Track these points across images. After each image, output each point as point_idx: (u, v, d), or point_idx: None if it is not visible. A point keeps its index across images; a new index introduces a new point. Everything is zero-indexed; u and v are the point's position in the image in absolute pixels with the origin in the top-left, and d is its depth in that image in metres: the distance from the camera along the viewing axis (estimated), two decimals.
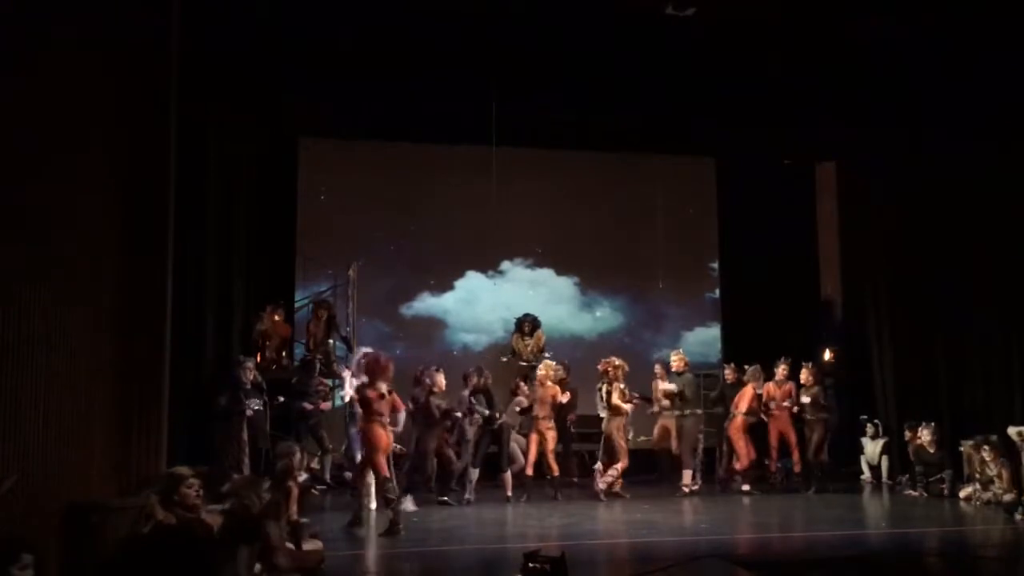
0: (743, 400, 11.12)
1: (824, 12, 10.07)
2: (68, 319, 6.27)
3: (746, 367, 11.48)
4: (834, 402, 12.02)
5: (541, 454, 10.45)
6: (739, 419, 11.03)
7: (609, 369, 10.56)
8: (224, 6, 9.26)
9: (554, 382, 10.62)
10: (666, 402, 11.16)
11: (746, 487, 10.90)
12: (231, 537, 5.55)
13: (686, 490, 10.71)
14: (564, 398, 10.70)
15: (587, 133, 12.59)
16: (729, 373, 11.74)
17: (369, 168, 13.38)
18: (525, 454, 10.65)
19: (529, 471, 10.46)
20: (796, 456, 11.17)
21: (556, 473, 10.53)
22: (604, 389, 10.52)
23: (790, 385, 11.26)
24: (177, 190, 8.59)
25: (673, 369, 11.20)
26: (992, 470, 9.87)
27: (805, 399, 11.18)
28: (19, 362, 5.37)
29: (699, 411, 11.03)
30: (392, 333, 13.23)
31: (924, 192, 11.52)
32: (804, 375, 11.37)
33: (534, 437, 10.42)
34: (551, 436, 10.46)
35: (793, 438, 11.15)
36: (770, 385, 11.27)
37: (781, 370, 11.26)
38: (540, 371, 10.66)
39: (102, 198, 7.12)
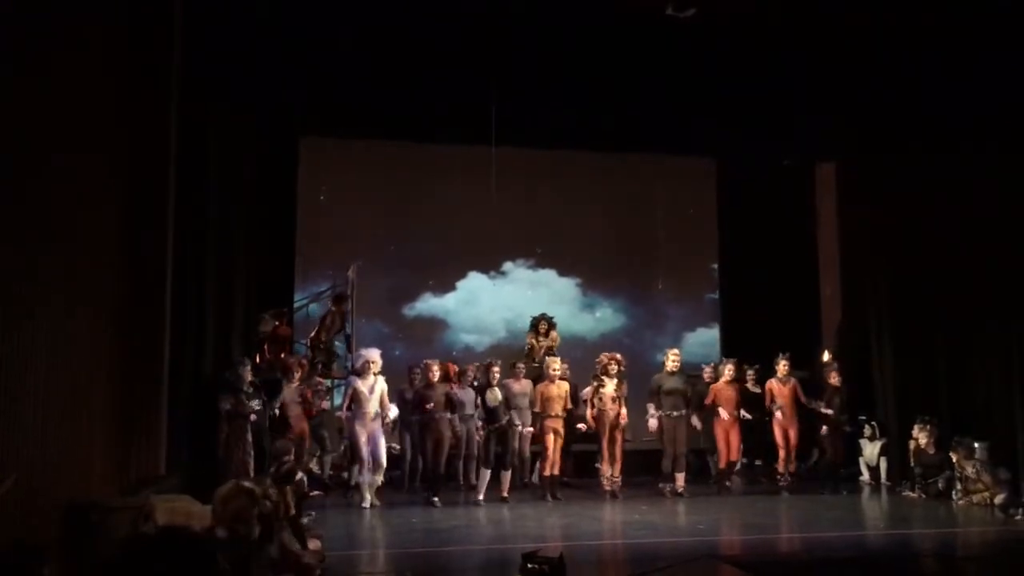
0: (708, 396, 11.03)
1: (824, 12, 10.05)
2: (68, 319, 6.28)
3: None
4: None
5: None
6: (718, 416, 10.93)
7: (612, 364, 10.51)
8: (225, 6, 9.25)
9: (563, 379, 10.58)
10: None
11: (727, 483, 10.93)
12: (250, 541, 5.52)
13: (680, 490, 10.59)
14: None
15: (587, 133, 12.59)
16: (707, 373, 11.61)
17: (369, 168, 13.41)
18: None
19: (548, 471, 10.33)
20: (783, 455, 10.97)
21: (558, 472, 10.50)
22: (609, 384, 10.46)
23: (795, 382, 11.10)
24: (177, 190, 8.61)
25: (670, 369, 10.90)
26: (971, 472, 9.87)
27: (833, 403, 11.03)
28: (19, 362, 5.37)
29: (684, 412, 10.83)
30: (392, 333, 13.26)
31: (924, 192, 11.49)
32: (834, 377, 11.18)
33: (550, 437, 10.31)
34: (564, 434, 10.45)
35: (795, 438, 10.98)
36: (773, 382, 11.10)
37: (782, 366, 11.07)
38: (555, 370, 10.50)
39: (102, 198, 7.13)
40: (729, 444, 10.97)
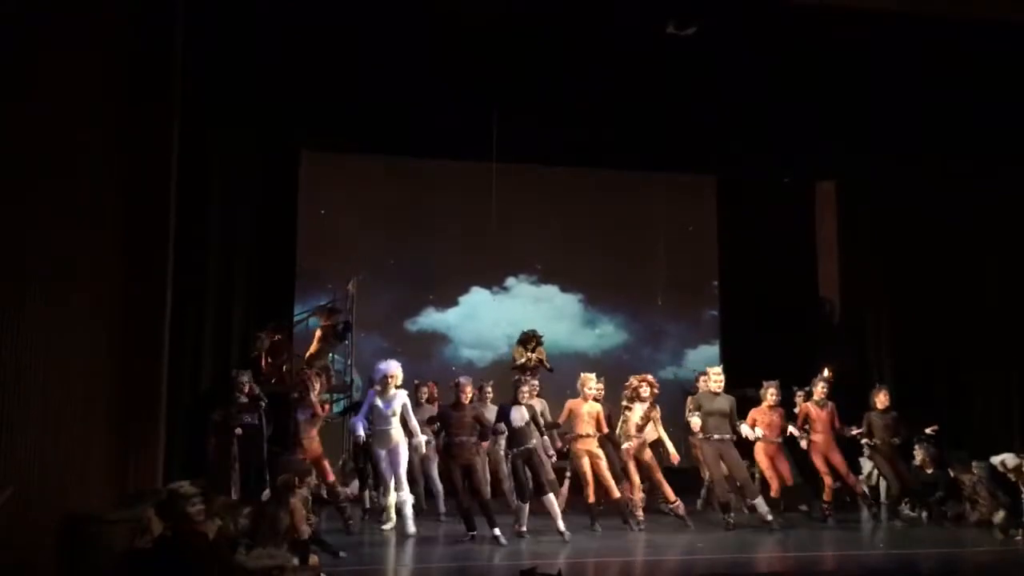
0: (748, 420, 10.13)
1: (824, 31, 10.07)
2: (68, 331, 6.28)
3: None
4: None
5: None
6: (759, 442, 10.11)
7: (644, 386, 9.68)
8: (225, 21, 9.28)
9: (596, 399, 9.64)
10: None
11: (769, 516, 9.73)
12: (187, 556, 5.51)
13: (768, 519, 9.62)
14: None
15: (587, 150, 12.61)
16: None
17: (370, 182, 13.43)
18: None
19: (592, 497, 9.28)
20: (829, 483, 10.16)
21: (616, 496, 9.31)
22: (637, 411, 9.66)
23: (832, 406, 10.41)
24: (177, 203, 8.61)
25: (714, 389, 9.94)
26: (968, 485, 9.78)
27: (879, 423, 10.40)
28: (16, 373, 5.36)
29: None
30: (391, 348, 13.21)
31: (924, 210, 11.52)
32: (882, 398, 10.44)
33: (585, 461, 9.28)
34: (603, 455, 9.35)
35: (841, 464, 10.22)
36: (809, 406, 10.37)
37: (820, 388, 10.39)
38: (590, 388, 9.54)
39: (102, 213, 7.14)
40: (778, 471, 10.18)
